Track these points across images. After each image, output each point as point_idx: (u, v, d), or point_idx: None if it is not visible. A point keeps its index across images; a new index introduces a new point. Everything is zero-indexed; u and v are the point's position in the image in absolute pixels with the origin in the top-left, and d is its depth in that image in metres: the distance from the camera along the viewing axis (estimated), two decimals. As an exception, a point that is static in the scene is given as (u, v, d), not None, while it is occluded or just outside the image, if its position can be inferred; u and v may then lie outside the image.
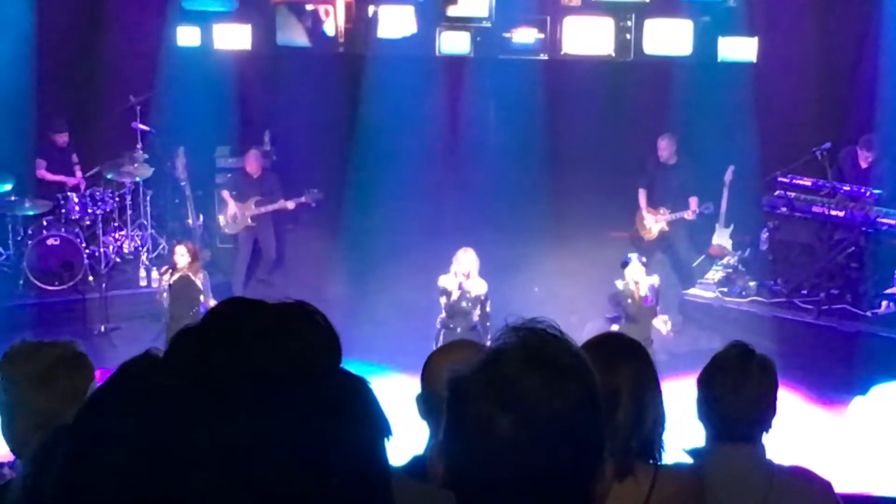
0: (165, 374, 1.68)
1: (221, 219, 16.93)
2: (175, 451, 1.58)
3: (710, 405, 4.53)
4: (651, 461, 3.97)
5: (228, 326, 1.69)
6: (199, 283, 13.57)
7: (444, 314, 13.18)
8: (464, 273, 13.01)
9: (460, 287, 13.02)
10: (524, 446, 2.06)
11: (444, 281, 13.15)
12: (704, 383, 4.57)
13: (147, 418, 1.63)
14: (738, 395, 4.46)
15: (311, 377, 1.65)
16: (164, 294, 13.62)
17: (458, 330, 12.97)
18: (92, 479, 1.65)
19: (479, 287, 13.13)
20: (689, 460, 4.48)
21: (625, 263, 13.14)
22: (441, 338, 13.01)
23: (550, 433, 2.07)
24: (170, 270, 13.55)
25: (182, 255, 13.52)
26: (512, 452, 2.05)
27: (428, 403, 3.84)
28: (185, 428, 1.58)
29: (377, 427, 1.72)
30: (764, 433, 4.54)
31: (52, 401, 4.08)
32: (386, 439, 1.73)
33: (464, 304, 13.03)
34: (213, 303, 13.79)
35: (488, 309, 13.24)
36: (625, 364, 3.98)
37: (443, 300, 13.18)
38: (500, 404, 2.07)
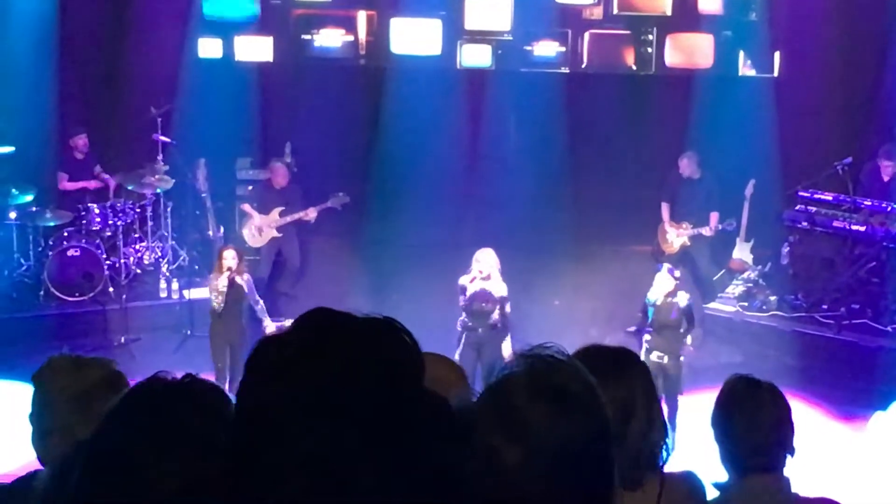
0: (252, 383, 1.68)
1: (245, 232, 16.85)
2: (265, 462, 1.59)
3: (731, 441, 4.44)
4: (657, 468, 3.97)
5: (316, 341, 1.69)
6: (244, 285, 13.52)
7: (463, 315, 13.11)
8: (482, 273, 12.94)
9: (479, 288, 12.94)
10: (532, 476, 2.02)
11: (463, 280, 13.07)
12: (720, 422, 4.49)
13: (236, 429, 1.65)
14: (755, 427, 4.38)
15: (398, 394, 1.65)
16: (220, 298, 13.43)
17: (480, 331, 12.88)
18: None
19: (499, 289, 12.98)
20: (715, 493, 4.44)
21: (658, 271, 13.07)
22: (463, 340, 12.98)
23: (559, 462, 2.04)
24: (227, 274, 13.36)
25: (233, 259, 13.36)
26: (520, 482, 2.02)
27: None
28: (275, 440, 1.59)
29: (462, 444, 1.72)
30: (788, 457, 4.46)
31: (88, 421, 4.05)
32: (469, 452, 1.73)
33: (482, 304, 12.92)
34: (260, 301, 13.73)
35: (508, 310, 13.15)
36: (633, 375, 3.98)
37: (461, 300, 13.11)
38: (507, 434, 2.03)
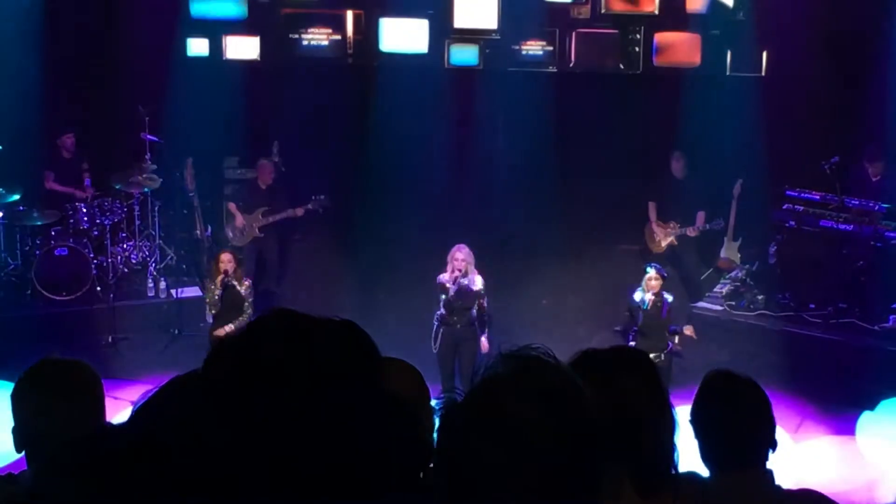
0: (208, 388, 1.67)
1: (229, 231, 16.88)
2: (224, 469, 1.58)
3: (711, 437, 4.41)
4: (670, 472, 3.93)
5: (271, 344, 1.68)
6: (242, 290, 13.56)
7: (442, 311, 13.20)
8: (460, 270, 13.03)
9: (457, 284, 13.04)
10: (515, 478, 2.00)
11: (442, 279, 13.20)
12: (699, 418, 4.46)
13: (185, 429, 1.64)
14: (734, 422, 4.35)
15: (355, 398, 1.64)
16: (217, 302, 13.48)
17: (458, 326, 13.12)
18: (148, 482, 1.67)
19: (475, 283, 13.16)
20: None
21: (646, 271, 13.14)
22: (441, 334, 13.09)
23: (544, 463, 2.02)
24: (223, 278, 13.39)
25: (230, 262, 13.51)
26: (503, 484, 2.00)
27: None
28: (234, 448, 1.58)
29: (422, 450, 1.71)
30: (771, 452, 4.43)
31: (80, 418, 4.08)
32: (430, 462, 1.72)
33: (460, 301, 13.04)
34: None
35: (485, 304, 13.28)
36: (639, 377, 3.93)
37: (442, 298, 13.21)
38: (491, 435, 2.01)
